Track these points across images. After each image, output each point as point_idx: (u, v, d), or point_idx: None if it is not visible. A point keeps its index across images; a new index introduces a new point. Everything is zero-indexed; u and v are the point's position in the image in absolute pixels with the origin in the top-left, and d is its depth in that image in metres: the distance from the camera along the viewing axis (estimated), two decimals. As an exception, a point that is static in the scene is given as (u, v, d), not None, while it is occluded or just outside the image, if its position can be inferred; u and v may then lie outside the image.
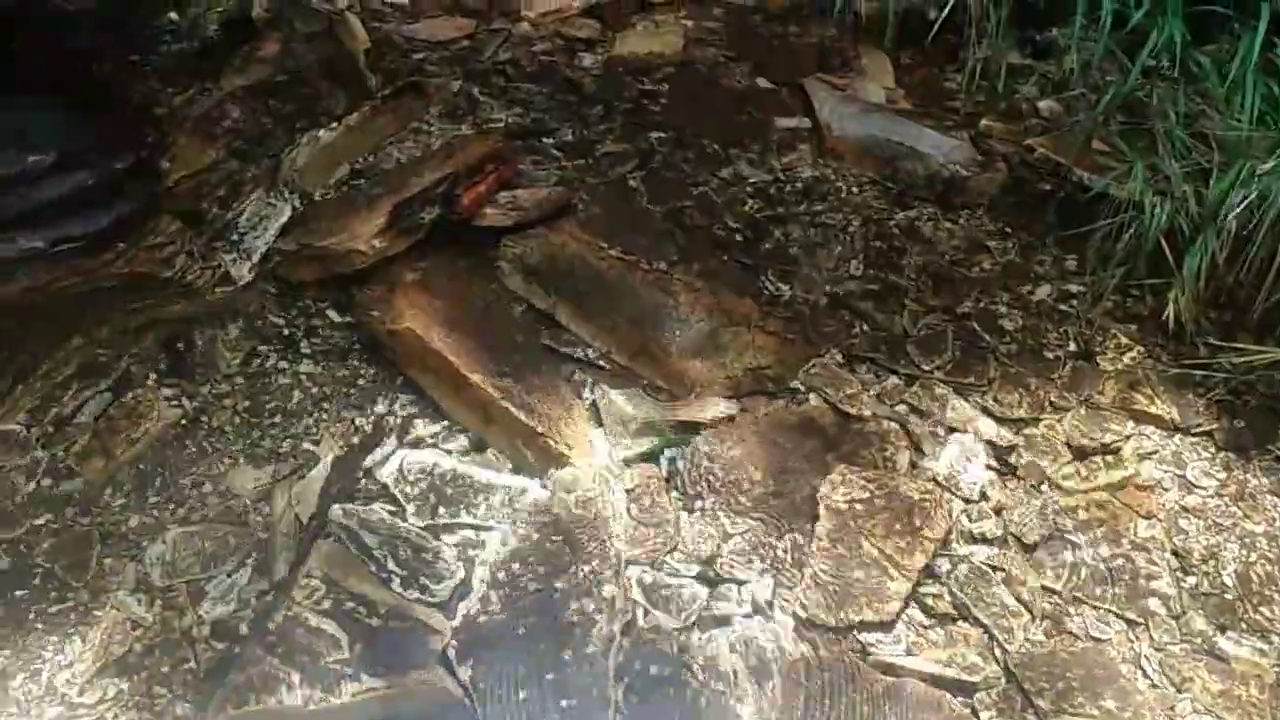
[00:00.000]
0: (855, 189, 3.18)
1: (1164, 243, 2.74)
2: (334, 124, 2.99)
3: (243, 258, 2.57)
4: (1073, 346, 2.71)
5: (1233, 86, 3.06)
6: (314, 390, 2.36)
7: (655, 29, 3.84)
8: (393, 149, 3.06)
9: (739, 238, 2.94)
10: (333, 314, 2.56)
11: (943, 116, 3.49)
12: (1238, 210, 2.67)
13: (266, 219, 2.67)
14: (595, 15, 3.86)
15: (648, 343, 2.57)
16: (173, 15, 2.94)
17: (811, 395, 2.50)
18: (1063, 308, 2.83)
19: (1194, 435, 2.52)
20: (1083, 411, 2.54)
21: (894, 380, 2.57)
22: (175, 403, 2.26)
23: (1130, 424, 2.53)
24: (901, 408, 2.50)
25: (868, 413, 2.47)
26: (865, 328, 2.71)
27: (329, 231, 2.60)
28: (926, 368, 2.59)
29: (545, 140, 3.19)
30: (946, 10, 3.58)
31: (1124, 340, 2.74)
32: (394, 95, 3.17)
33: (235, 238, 2.61)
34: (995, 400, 2.54)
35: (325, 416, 2.30)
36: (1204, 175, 2.91)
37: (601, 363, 2.56)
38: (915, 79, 3.74)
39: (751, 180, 3.15)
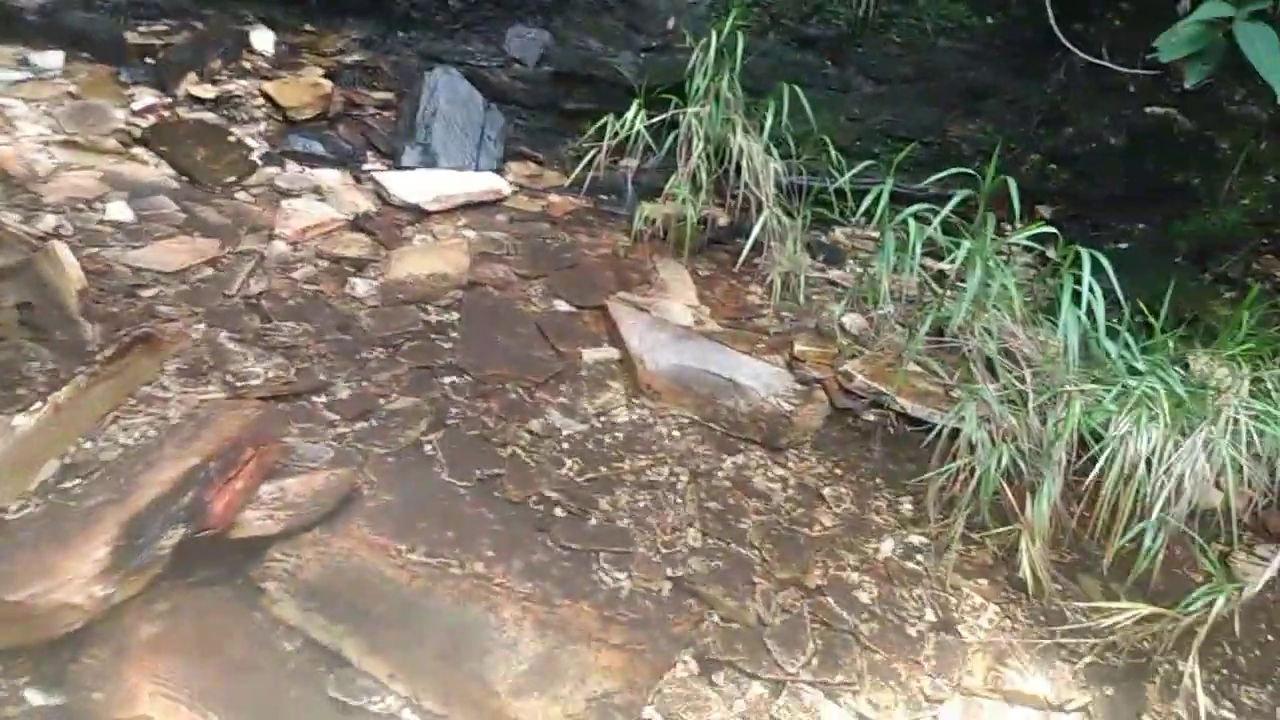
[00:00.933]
0: (677, 432, 2.88)
1: (1003, 483, 2.63)
2: (38, 404, 2.32)
3: (-107, 630, 1.84)
4: (930, 615, 2.49)
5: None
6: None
7: (435, 242, 3.45)
8: (116, 428, 2.42)
9: (561, 511, 2.53)
10: (35, 695, 1.86)
11: (754, 340, 3.30)
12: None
13: (-68, 562, 1.96)
14: (364, 229, 3.41)
15: (466, 680, 2.07)
16: None
17: (670, 729, 2.10)
18: (910, 565, 2.62)
19: (1070, 712, 2.34)
20: (957, 700, 2.30)
21: (757, 689, 2.22)
22: None
23: (1006, 708, 2.31)
24: (773, 729, 2.15)
25: (739, 744, 2.09)
26: (717, 619, 2.35)
27: (30, 575, 1.93)
28: (791, 669, 2.26)
29: (316, 399, 2.66)
30: (757, 228, 3.44)
31: (978, 600, 2.56)
32: (118, 354, 2.54)
33: (-119, 598, 1.87)
34: (869, 702, 2.24)
35: None
36: (1024, 400, 2.84)
37: (408, 713, 2.03)
38: (718, 292, 3.56)
39: (566, 432, 2.77)
